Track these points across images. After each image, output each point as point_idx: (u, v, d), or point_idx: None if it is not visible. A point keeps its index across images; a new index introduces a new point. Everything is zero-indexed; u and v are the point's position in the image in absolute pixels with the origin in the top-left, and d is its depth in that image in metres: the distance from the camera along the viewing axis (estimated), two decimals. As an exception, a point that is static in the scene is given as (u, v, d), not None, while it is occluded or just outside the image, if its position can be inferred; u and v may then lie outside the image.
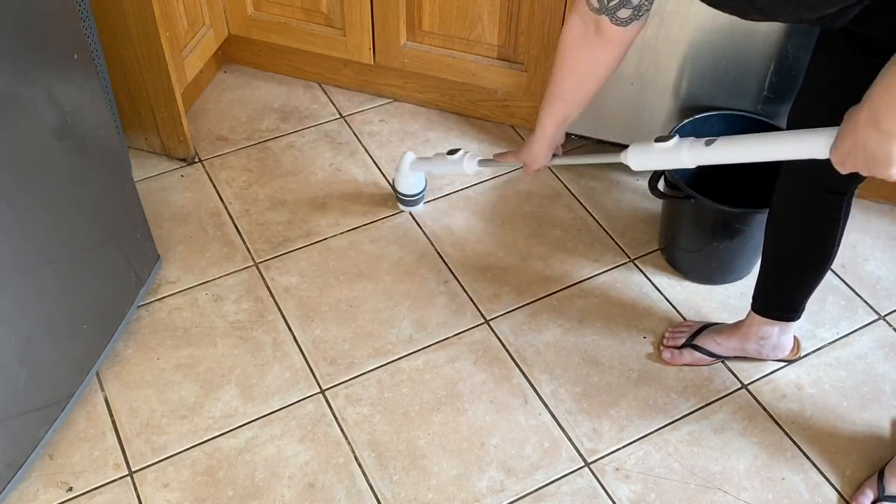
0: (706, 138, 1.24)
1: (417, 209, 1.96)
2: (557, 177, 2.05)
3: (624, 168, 2.05)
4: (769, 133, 1.20)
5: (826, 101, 1.26)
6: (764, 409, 1.63)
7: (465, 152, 1.72)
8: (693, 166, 1.27)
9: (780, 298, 1.57)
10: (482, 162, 1.69)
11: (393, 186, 1.94)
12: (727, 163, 1.23)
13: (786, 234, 1.47)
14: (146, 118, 1.98)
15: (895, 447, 1.57)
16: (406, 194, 1.92)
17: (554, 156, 1.53)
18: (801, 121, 1.32)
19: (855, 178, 1.33)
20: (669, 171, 1.69)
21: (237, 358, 1.68)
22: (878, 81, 1.01)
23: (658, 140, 1.30)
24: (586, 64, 1.30)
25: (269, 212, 1.96)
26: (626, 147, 1.38)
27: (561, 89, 1.37)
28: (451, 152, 1.74)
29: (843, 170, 1.10)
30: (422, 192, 1.93)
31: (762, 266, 1.56)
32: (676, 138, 1.28)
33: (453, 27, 1.97)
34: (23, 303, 1.36)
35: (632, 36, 1.24)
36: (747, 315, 1.63)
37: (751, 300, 1.61)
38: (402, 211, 1.96)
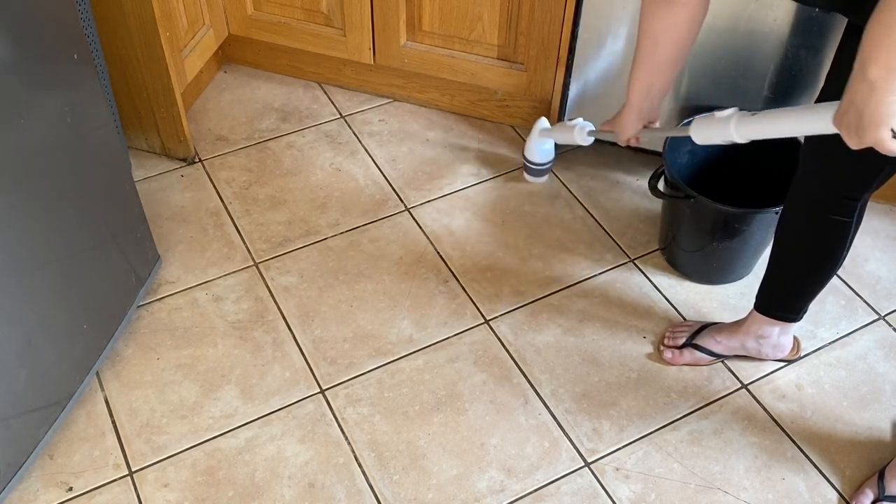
0: (754, 111, 1.23)
1: (543, 181, 2.01)
2: (557, 177, 2.05)
3: (624, 168, 2.07)
4: (809, 105, 1.15)
5: None
6: (764, 409, 1.63)
7: (579, 120, 1.74)
8: (743, 141, 1.24)
9: (784, 299, 1.57)
10: (591, 132, 1.71)
11: (523, 156, 1.97)
12: (772, 137, 1.19)
13: (796, 235, 1.46)
14: (146, 118, 1.98)
15: (895, 448, 1.57)
16: (535, 162, 1.94)
17: (645, 128, 1.50)
18: None
19: (869, 185, 1.32)
20: (670, 170, 1.70)
21: (237, 358, 1.68)
22: (865, 30, 0.96)
23: (718, 111, 1.28)
24: (659, 25, 1.29)
25: (269, 212, 1.96)
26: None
27: (640, 53, 1.36)
28: (570, 119, 1.78)
29: (845, 136, 1.03)
30: (550, 162, 1.96)
31: (769, 265, 1.56)
32: (734, 109, 1.26)
33: (453, 27, 1.97)
34: (23, 303, 1.36)
35: None
36: (749, 313, 1.63)
37: (753, 299, 1.61)
38: (398, 214, 1.97)
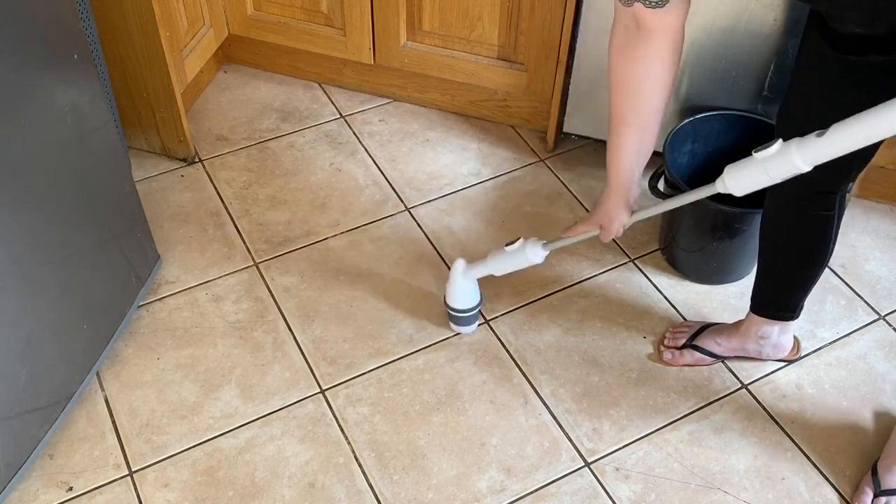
0: (816, 131, 1.07)
1: (472, 329, 1.71)
2: (557, 177, 2.05)
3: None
4: (887, 104, 1.01)
5: (811, 102, 1.26)
6: (764, 409, 1.63)
7: (525, 240, 1.49)
8: (809, 168, 1.09)
9: (778, 298, 1.57)
10: (547, 245, 1.48)
11: (444, 302, 1.67)
12: (847, 152, 1.06)
13: (779, 233, 1.47)
14: (146, 118, 1.98)
15: (894, 446, 1.57)
16: (458, 309, 1.65)
17: (633, 212, 1.34)
18: (788, 124, 1.32)
19: (846, 177, 1.33)
20: (670, 170, 1.69)
21: (237, 358, 1.68)
22: None
23: (757, 150, 1.12)
24: (636, 68, 1.18)
25: (269, 212, 1.96)
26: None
27: (621, 110, 1.23)
28: (509, 244, 1.53)
29: None
30: (478, 306, 1.66)
31: (759, 266, 1.56)
32: (779, 142, 1.11)
33: (453, 27, 1.97)
34: (23, 303, 1.36)
35: (673, 23, 1.14)
36: (747, 315, 1.63)
37: (750, 300, 1.61)
38: (398, 214, 1.96)
